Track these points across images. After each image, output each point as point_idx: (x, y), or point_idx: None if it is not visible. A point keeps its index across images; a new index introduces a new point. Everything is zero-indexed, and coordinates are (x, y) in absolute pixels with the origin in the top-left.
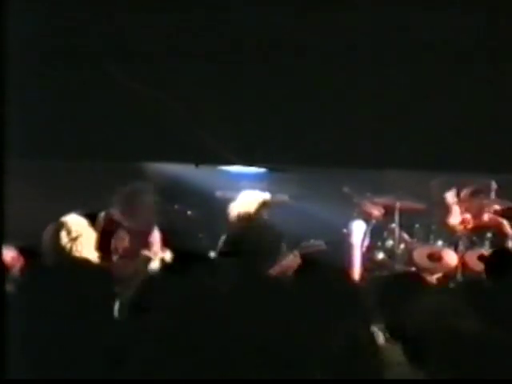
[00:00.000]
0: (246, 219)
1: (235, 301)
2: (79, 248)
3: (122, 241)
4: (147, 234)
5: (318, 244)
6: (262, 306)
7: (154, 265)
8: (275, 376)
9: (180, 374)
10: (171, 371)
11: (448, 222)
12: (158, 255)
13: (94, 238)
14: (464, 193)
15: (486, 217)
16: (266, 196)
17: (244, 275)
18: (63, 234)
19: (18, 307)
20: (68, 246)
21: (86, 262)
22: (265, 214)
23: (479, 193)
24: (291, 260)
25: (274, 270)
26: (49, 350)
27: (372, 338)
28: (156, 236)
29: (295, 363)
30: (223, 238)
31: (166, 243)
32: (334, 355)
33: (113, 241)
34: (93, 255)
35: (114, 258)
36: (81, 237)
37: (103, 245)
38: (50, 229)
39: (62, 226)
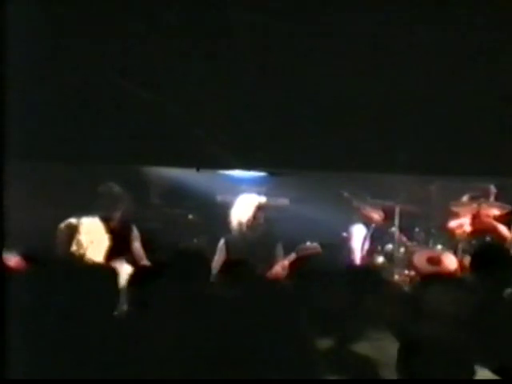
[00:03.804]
0: (244, 223)
1: (235, 303)
2: (91, 254)
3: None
4: (127, 233)
5: (313, 247)
6: (261, 308)
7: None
8: (275, 376)
9: (181, 374)
10: (171, 371)
11: (448, 227)
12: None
13: (106, 246)
14: (464, 197)
15: (484, 221)
16: (262, 199)
17: (244, 278)
18: (78, 237)
19: (18, 308)
20: (81, 250)
21: (89, 264)
22: (261, 217)
23: (478, 197)
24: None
25: (271, 274)
26: (49, 350)
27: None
28: (136, 234)
29: (294, 365)
30: (222, 241)
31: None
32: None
33: None
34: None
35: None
36: (94, 243)
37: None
38: (64, 228)
39: (78, 228)
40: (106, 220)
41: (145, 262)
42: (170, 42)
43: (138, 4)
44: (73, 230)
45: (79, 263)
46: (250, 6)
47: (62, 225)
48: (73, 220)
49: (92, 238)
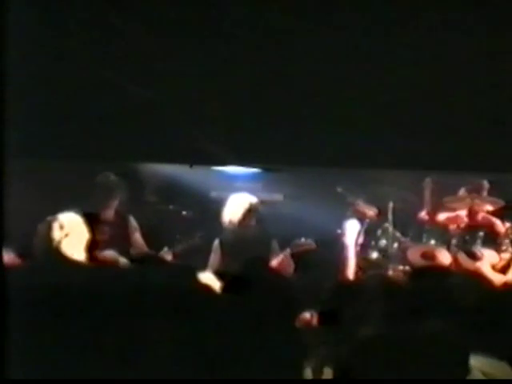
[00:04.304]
0: (235, 223)
1: (230, 300)
2: (66, 247)
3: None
4: (124, 224)
5: (308, 243)
6: (256, 304)
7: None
8: (271, 375)
9: (180, 373)
10: (171, 370)
11: (441, 220)
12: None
13: (86, 239)
14: (458, 192)
15: (478, 216)
16: (253, 199)
17: (238, 275)
18: (53, 231)
19: (18, 307)
20: (55, 243)
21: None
22: (253, 217)
23: (472, 192)
24: (283, 260)
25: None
26: (49, 350)
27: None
28: (135, 226)
29: (292, 362)
30: (217, 240)
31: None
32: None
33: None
34: (80, 255)
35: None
36: (70, 235)
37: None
38: (42, 225)
39: (53, 222)
40: (102, 209)
41: (146, 251)
42: (167, 40)
43: (137, 4)
44: (48, 227)
45: (80, 262)
46: (250, 6)
47: (40, 224)
48: (49, 217)
49: (67, 231)
